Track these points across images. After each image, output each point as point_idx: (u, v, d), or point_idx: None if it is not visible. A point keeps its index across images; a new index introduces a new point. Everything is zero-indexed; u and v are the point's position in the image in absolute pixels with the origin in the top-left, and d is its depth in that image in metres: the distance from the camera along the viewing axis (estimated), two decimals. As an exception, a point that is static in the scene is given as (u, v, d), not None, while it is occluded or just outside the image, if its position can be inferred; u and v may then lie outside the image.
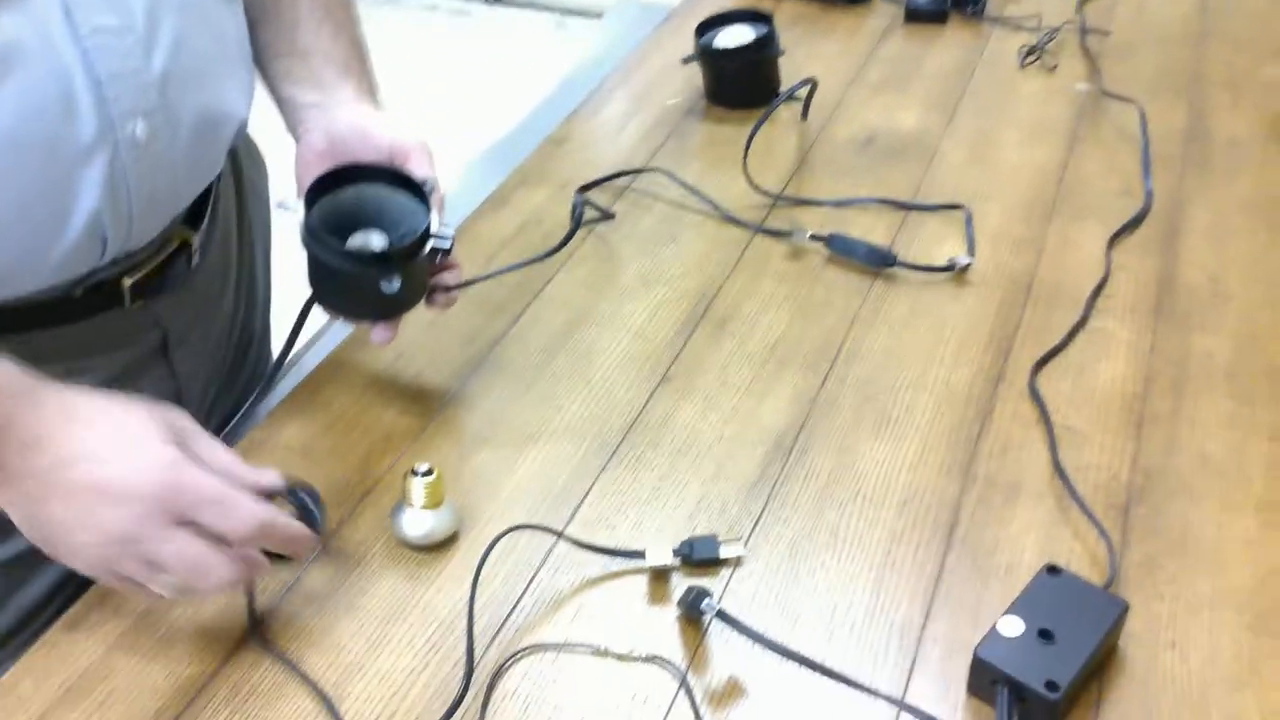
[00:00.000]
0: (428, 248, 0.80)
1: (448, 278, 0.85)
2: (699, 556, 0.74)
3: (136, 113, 0.71)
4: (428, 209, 0.80)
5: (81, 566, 0.65)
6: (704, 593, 0.69)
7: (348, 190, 0.81)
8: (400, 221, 0.81)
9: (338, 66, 0.87)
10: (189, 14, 0.75)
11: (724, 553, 0.74)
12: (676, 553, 0.74)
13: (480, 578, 0.72)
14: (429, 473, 0.75)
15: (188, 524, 0.63)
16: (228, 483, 0.65)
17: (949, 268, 0.98)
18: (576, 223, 1.01)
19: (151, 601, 0.70)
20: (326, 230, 0.79)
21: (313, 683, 0.67)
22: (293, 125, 0.88)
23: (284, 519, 0.67)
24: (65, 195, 0.70)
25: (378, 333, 0.82)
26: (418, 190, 0.81)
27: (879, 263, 0.99)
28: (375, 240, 0.81)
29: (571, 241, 1.03)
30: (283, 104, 0.88)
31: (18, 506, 0.65)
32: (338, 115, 0.85)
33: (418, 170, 0.82)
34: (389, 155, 0.83)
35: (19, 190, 0.68)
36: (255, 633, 0.70)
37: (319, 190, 0.80)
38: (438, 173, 0.84)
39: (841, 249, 1.01)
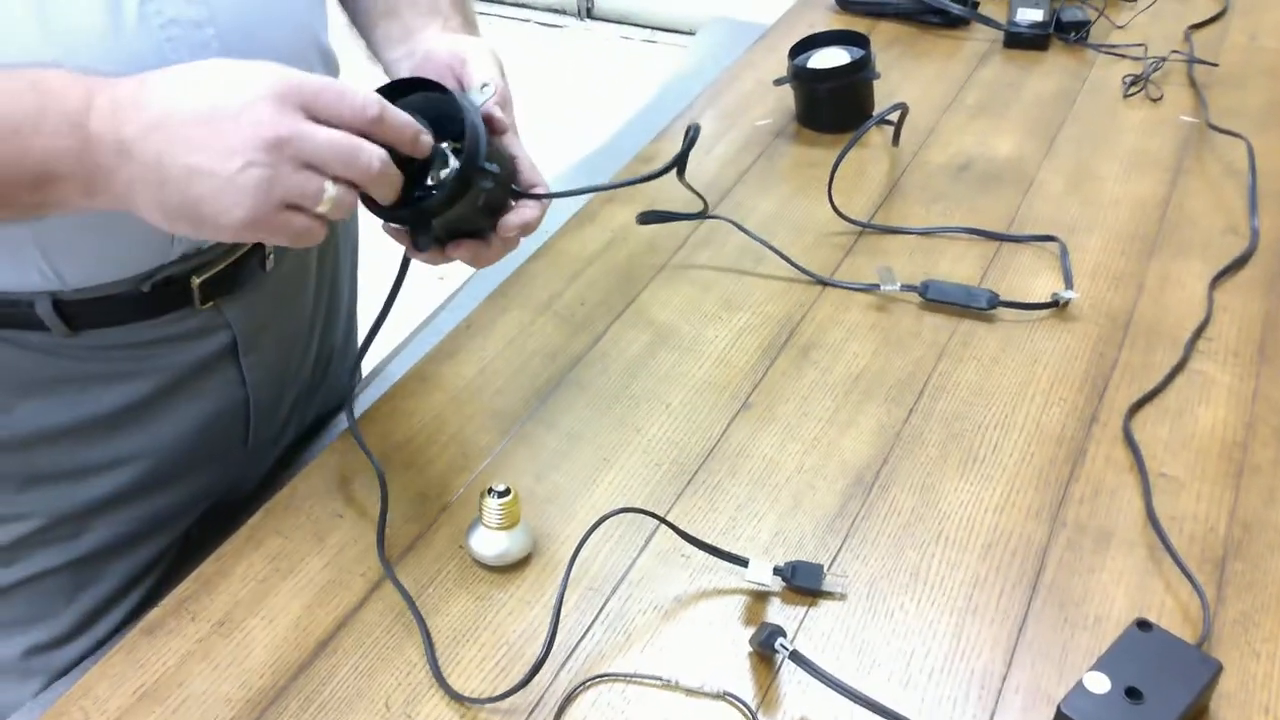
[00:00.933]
0: (466, 194, 0.69)
1: (512, 219, 0.73)
2: (799, 583, 0.73)
3: None
4: (467, 123, 0.68)
5: (239, 211, 0.59)
6: (778, 631, 0.68)
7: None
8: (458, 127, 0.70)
9: (424, 11, 0.83)
10: (271, 8, 0.75)
11: (827, 585, 0.73)
12: (778, 571, 0.73)
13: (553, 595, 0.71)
14: (505, 493, 0.74)
15: (317, 121, 0.60)
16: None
17: (1052, 304, 0.96)
18: (686, 148, 0.82)
19: (316, 235, 0.63)
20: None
21: (383, 699, 0.67)
22: None
23: (394, 109, 0.64)
24: None
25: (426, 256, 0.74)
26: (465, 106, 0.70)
27: (981, 306, 0.96)
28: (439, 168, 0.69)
29: (655, 264, 1.02)
30: (387, 71, 0.84)
31: (146, 188, 0.60)
32: (417, 57, 0.80)
33: (475, 73, 0.75)
34: (448, 67, 0.77)
35: None
36: (327, 645, 0.70)
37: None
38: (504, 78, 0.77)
39: (938, 296, 0.97)
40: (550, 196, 0.75)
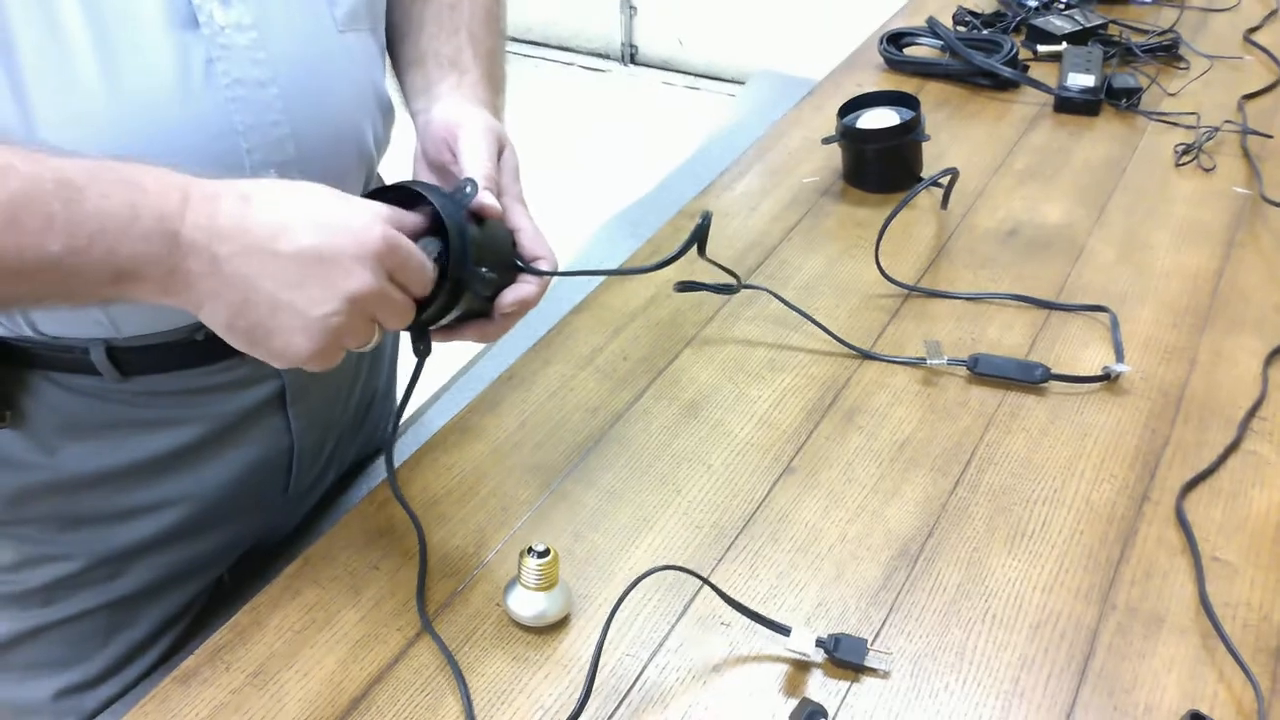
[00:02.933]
0: (437, 308, 0.70)
1: (508, 296, 0.73)
2: (842, 656, 0.71)
3: (270, 164, 0.71)
4: (445, 232, 0.69)
5: (303, 348, 0.63)
6: (819, 711, 0.66)
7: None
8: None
9: (444, 63, 0.83)
10: (335, 65, 0.75)
11: (870, 661, 0.71)
12: (820, 643, 0.71)
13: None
14: (545, 554, 0.73)
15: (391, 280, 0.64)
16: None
17: (1104, 377, 0.94)
18: (694, 237, 0.78)
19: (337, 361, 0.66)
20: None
21: (414, 762, 0.66)
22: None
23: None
24: None
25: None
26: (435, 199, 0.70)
27: (1034, 379, 0.94)
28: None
29: (699, 321, 1.02)
30: (414, 120, 0.84)
31: (222, 305, 0.61)
32: (431, 118, 0.80)
33: (465, 150, 0.75)
34: (444, 140, 0.78)
35: None
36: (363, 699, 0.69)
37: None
38: (507, 160, 0.77)
39: (988, 370, 0.95)
40: (552, 274, 0.76)
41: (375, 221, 0.63)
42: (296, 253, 0.61)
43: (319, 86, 0.73)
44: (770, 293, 1.04)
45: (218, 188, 0.61)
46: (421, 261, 0.66)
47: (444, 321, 0.72)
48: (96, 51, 0.63)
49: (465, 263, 0.69)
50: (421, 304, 0.69)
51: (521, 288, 0.74)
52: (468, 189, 0.72)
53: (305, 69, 0.72)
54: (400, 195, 0.71)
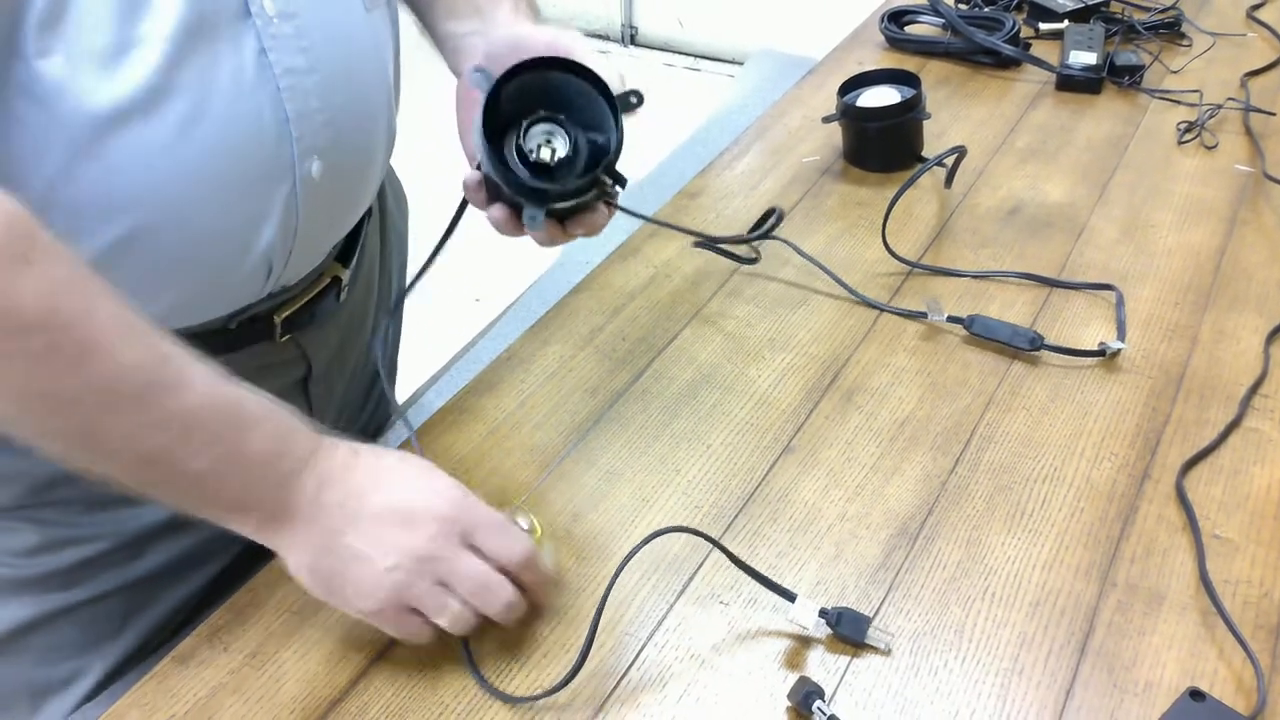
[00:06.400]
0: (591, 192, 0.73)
1: (599, 219, 0.78)
2: (843, 631, 0.71)
3: (314, 151, 0.72)
4: (616, 125, 0.72)
5: (371, 601, 0.66)
6: (816, 691, 0.66)
7: (528, 76, 0.73)
8: (587, 115, 0.73)
9: None
10: (360, 45, 0.76)
11: (871, 638, 0.71)
12: (824, 614, 0.71)
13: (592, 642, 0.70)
14: (529, 530, 0.73)
15: (472, 548, 0.67)
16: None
17: (1099, 352, 0.94)
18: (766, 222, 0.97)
19: (423, 638, 0.69)
20: (511, 108, 0.72)
21: (412, 741, 0.66)
22: (454, 60, 0.85)
23: (539, 554, 0.71)
24: (247, 231, 0.71)
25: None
26: (602, 89, 0.72)
27: (1024, 346, 0.94)
28: (558, 143, 0.73)
29: (698, 300, 1.02)
30: (442, 42, 0.85)
31: (309, 548, 0.66)
32: (494, 36, 0.81)
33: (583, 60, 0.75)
34: (509, 59, 0.75)
35: (209, 225, 0.69)
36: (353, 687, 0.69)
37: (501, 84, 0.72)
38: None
39: (982, 331, 0.96)
40: (637, 215, 0.82)
41: (453, 490, 0.68)
42: (378, 508, 0.66)
43: (350, 69, 0.74)
44: (789, 244, 1.07)
45: (336, 445, 0.68)
46: (501, 523, 0.69)
47: (559, 208, 0.73)
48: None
49: (615, 172, 0.71)
50: (547, 191, 0.71)
51: (602, 217, 0.78)
52: (633, 99, 0.73)
53: (339, 52, 0.73)
54: (540, 77, 0.72)
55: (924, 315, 0.98)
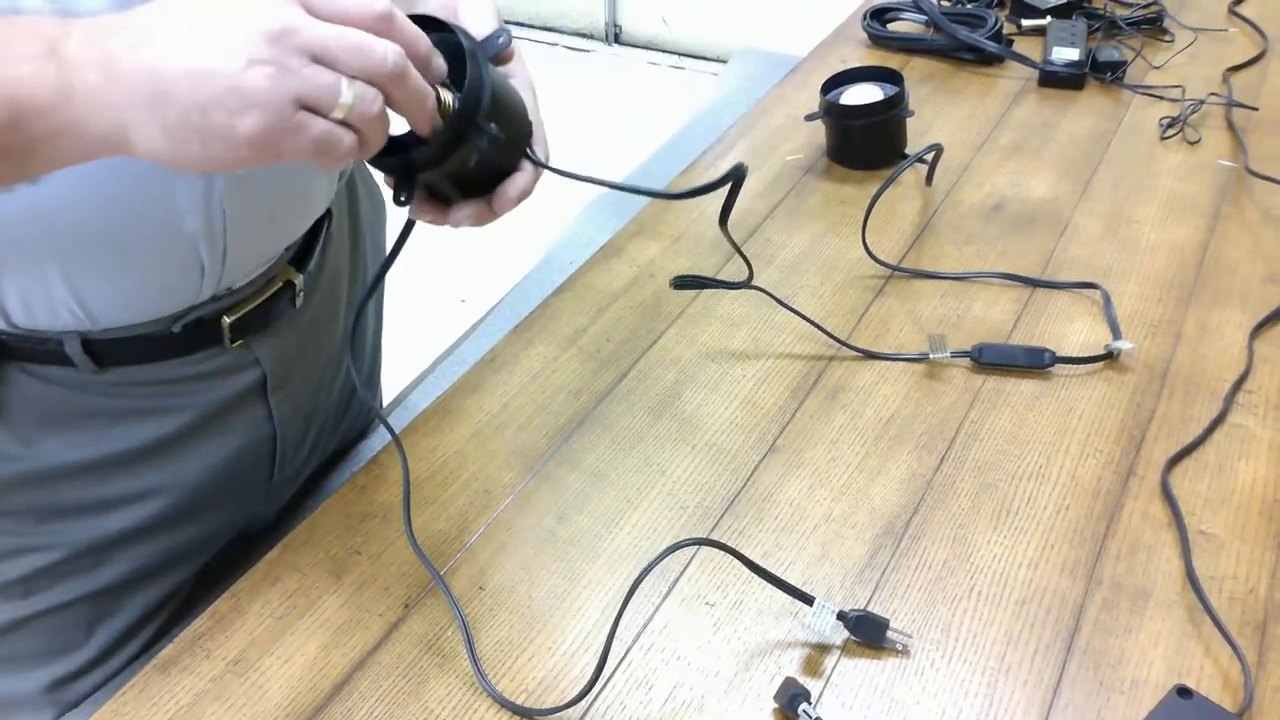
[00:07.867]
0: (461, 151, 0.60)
1: (511, 187, 0.66)
2: (862, 636, 0.71)
3: None
4: (472, 72, 0.60)
5: (250, 117, 0.51)
6: (802, 693, 0.66)
7: None
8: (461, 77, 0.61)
9: None
10: None
11: (890, 640, 0.71)
12: (841, 616, 0.71)
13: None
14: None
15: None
16: None
17: (1107, 356, 0.93)
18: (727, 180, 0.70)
19: (346, 144, 0.54)
20: None
21: (397, 748, 0.66)
22: None
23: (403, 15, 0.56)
24: (165, 215, 0.69)
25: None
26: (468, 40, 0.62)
27: (1039, 365, 0.92)
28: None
29: (683, 300, 1.01)
30: None
31: (139, 96, 0.51)
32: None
33: (466, 21, 0.66)
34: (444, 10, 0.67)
35: (125, 205, 0.67)
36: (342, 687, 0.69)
37: None
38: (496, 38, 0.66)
39: (994, 359, 0.93)
40: (560, 172, 0.67)
41: None
42: (185, 20, 0.52)
43: None
44: (771, 295, 0.98)
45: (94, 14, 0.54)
46: None
47: (433, 176, 0.62)
48: None
49: (478, 109, 0.60)
50: (414, 144, 0.60)
51: (523, 177, 0.66)
52: (500, 39, 0.64)
53: None
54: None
55: (925, 357, 0.94)
